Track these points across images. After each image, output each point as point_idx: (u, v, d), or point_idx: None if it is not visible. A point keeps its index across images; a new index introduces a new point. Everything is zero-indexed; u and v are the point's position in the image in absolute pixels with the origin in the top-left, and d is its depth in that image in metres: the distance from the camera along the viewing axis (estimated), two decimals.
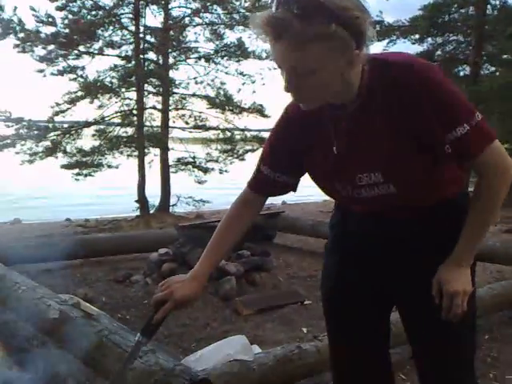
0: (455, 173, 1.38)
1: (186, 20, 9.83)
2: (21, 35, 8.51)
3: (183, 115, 9.90)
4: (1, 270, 3.21)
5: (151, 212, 9.38)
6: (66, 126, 9.32)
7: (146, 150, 9.24)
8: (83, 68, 9.12)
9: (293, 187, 1.51)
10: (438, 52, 12.55)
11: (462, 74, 12.20)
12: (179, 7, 9.78)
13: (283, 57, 1.17)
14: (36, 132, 8.78)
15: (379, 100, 1.25)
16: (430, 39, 12.33)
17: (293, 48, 1.13)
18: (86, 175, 9.28)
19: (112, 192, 13.27)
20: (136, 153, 9.31)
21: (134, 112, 9.31)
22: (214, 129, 9.94)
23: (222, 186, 10.98)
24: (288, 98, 1.41)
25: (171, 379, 1.86)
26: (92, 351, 2.26)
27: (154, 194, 9.65)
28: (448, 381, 1.45)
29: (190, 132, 10.02)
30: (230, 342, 2.46)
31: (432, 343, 1.44)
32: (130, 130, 9.54)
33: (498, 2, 11.40)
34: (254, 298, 3.98)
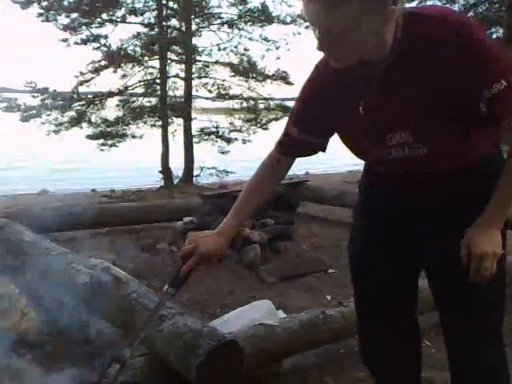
0: (487, 135, 1.34)
1: None
2: (44, 3, 8.52)
3: (206, 83, 9.83)
4: (30, 236, 3.29)
5: (175, 183, 9.44)
6: (90, 96, 9.36)
7: (169, 120, 9.25)
8: (106, 37, 9.11)
9: (322, 147, 1.50)
10: (471, 13, 12.10)
11: (494, 36, 11.77)
12: None
13: (317, 16, 1.14)
14: (61, 102, 8.86)
15: (412, 56, 1.22)
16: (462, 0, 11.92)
17: (328, 7, 1.11)
18: (110, 145, 9.37)
19: (136, 163, 13.38)
20: (159, 123, 9.33)
21: (157, 81, 9.29)
22: (237, 97, 9.85)
23: (246, 158, 10.98)
24: (315, 60, 1.39)
25: (199, 340, 1.90)
26: (122, 314, 2.33)
27: (177, 165, 9.70)
28: (474, 346, 1.44)
29: (214, 100, 9.95)
30: (256, 306, 2.49)
31: (459, 308, 1.43)
32: (154, 100, 9.54)
33: None
34: (278, 266, 4.01)
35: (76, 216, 4.75)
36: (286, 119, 1.52)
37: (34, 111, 8.77)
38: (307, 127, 1.44)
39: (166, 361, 2.02)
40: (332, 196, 5.68)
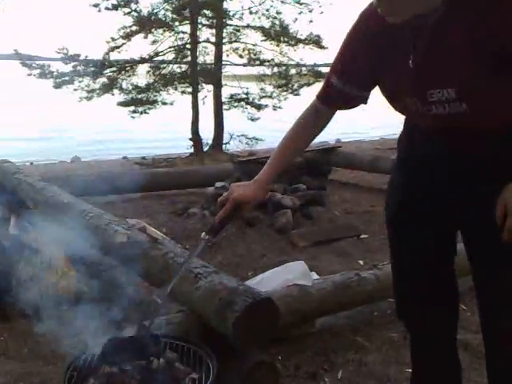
0: None
1: None
2: None
3: (237, 48, 9.66)
4: (68, 198, 3.36)
5: (204, 150, 9.46)
6: (121, 62, 9.36)
7: (199, 87, 9.20)
8: (137, 1, 9.02)
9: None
10: None
11: None
12: None
13: None
14: (92, 69, 8.90)
15: (463, 7, 1.17)
16: None
17: None
18: (141, 113, 9.41)
19: (166, 130, 13.45)
20: (189, 89, 9.30)
21: (188, 46, 9.21)
22: (268, 62, 9.66)
23: (276, 125, 10.88)
24: (349, 22, 1.36)
25: (235, 298, 1.94)
26: (159, 273, 2.38)
27: (207, 133, 9.70)
28: (508, 310, 1.43)
29: (245, 66, 9.81)
30: (290, 267, 2.52)
31: (494, 270, 1.40)
32: (184, 66, 9.49)
33: None
34: (309, 230, 4.02)
35: (110, 182, 4.82)
36: (318, 85, 1.50)
37: (67, 78, 8.84)
38: (350, 78, 1.41)
39: (202, 317, 2.07)
40: (365, 162, 5.60)
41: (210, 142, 9.63)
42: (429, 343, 1.63)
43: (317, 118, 1.52)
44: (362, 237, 4.01)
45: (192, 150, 9.37)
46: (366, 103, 1.49)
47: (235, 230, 4.04)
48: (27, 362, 2.19)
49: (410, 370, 2.14)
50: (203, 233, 1.60)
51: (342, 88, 1.42)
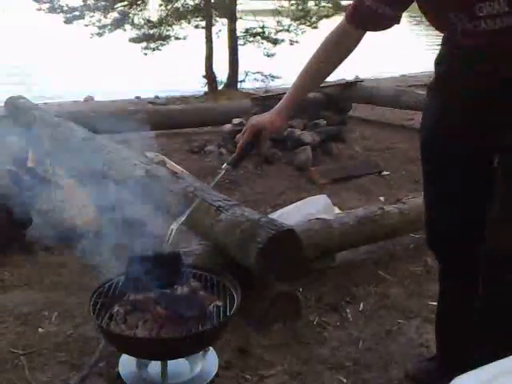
0: None
1: None
2: None
3: None
4: (85, 133, 3.31)
5: (219, 88, 9.25)
6: None
7: (213, 20, 8.86)
8: None
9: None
10: None
11: None
12: None
13: None
14: (103, 3, 8.59)
15: None
16: None
17: None
18: (153, 49, 9.14)
19: (179, 69, 13.15)
20: (203, 23, 8.97)
21: None
22: None
23: (292, 62, 10.54)
24: None
25: (257, 230, 1.90)
26: (179, 207, 2.34)
27: (221, 70, 9.45)
28: None
29: None
30: (312, 201, 2.47)
31: None
32: None
33: None
34: (329, 167, 3.94)
35: (124, 119, 4.74)
36: (337, 17, 1.39)
37: (77, 12, 8.57)
38: None
39: (224, 250, 2.05)
40: (387, 97, 5.37)
41: (225, 80, 9.40)
42: (457, 275, 1.59)
43: (345, 39, 1.43)
44: (382, 174, 3.93)
45: (206, 89, 9.17)
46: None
47: (253, 168, 3.99)
48: (50, 292, 2.22)
49: (433, 303, 2.15)
50: (224, 164, 1.59)
51: (374, 7, 1.32)
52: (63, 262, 2.48)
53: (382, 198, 3.45)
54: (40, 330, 1.95)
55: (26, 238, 2.67)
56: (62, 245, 2.63)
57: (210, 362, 1.67)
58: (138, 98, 9.27)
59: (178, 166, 2.58)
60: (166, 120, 5.12)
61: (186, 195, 2.33)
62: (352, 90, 5.47)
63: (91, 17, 8.72)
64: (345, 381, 1.73)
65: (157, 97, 9.02)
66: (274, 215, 2.41)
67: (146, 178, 2.54)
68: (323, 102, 4.74)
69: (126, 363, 1.63)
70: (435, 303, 2.11)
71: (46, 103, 8.50)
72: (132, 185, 2.59)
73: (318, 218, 2.30)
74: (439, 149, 1.47)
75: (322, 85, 5.47)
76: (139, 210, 2.60)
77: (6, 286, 2.26)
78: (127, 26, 8.96)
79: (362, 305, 2.19)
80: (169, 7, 8.97)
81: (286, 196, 3.59)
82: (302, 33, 9.32)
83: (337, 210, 2.48)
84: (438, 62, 1.45)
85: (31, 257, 2.51)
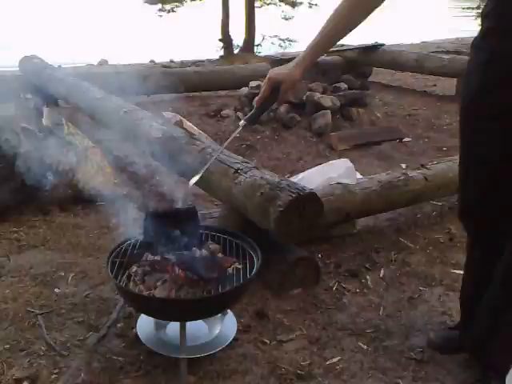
0: None
1: None
2: None
3: None
4: (101, 94, 3.24)
5: (235, 53, 9.06)
6: None
7: None
8: None
9: None
10: None
11: None
12: None
13: None
14: None
15: None
16: None
17: None
18: (168, 11, 8.97)
19: (195, 32, 12.90)
20: None
21: None
22: None
23: (311, 25, 10.26)
24: None
25: (278, 192, 1.84)
26: (196, 169, 2.28)
27: (238, 35, 9.23)
28: None
29: None
30: (334, 165, 2.39)
31: None
32: None
33: None
34: (349, 133, 3.83)
35: (139, 81, 4.65)
36: None
37: None
38: None
39: (243, 213, 2.00)
40: (410, 61, 5.16)
41: (241, 44, 9.20)
42: (484, 248, 1.52)
43: None
44: (404, 140, 3.82)
45: (222, 53, 8.99)
46: None
47: (270, 133, 3.90)
48: (66, 253, 2.20)
49: (456, 271, 2.10)
50: (242, 120, 1.55)
51: None
52: (79, 224, 2.46)
53: (403, 165, 3.36)
54: (57, 290, 1.94)
55: (42, 198, 2.64)
56: (78, 206, 2.61)
57: (228, 325, 1.64)
58: (152, 61, 9.13)
59: (195, 127, 2.50)
60: (181, 83, 5.00)
61: (203, 157, 2.27)
62: (373, 54, 5.29)
63: None
64: (365, 347, 1.69)
65: (171, 61, 8.87)
66: (295, 179, 2.34)
67: (162, 138, 2.48)
68: (343, 67, 4.60)
69: (144, 324, 1.61)
70: (458, 271, 2.08)
71: (59, 66, 8.42)
72: (148, 145, 2.54)
73: (339, 183, 2.23)
74: (480, 110, 1.38)
75: (342, 48, 5.31)
76: (156, 170, 2.56)
77: (22, 246, 2.24)
78: None
79: (382, 271, 2.14)
80: None
81: (304, 162, 3.52)
82: None
83: (359, 175, 2.40)
84: (486, 15, 1.34)
85: (47, 218, 2.49)
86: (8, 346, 1.62)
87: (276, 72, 1.45)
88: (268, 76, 1.45)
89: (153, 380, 1.51)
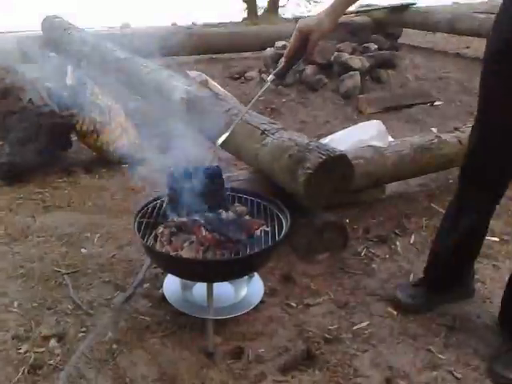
0: None
1: None
2: None
3: None
4: (124, 54, 3.17)
5: (259, 14, 8.85)
6: None
7: None
8: None
9: None
10: None
11: None
12: None
13: None
14: None
15: None
16: None
17: None
18: None
19: None
20: None
21: None
22: None
23: None
24: None
25: (306, 154, 1.78)
26: (222, 130, 2.23)
27: None
28: None
29: None
30: (365, 126, 2.31)
31: None
32: None
33: None
34: (379, 96, 3.71)
35: (162, 42, 4.56)
36: None
37: None
38: None
39: (271, 175, 1.95)
40: (443, 21, 4.90)
41: (265, 5, 8.98)
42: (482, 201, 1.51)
43: None
44: (435, 104, 3.69)
45: (246, 15, 8.80)
46: None
47: (296, 96, 3.80)
48: (92, 214, 2.19)
49: (489, 238, 2.02)
50: (270, 75, 1.49)
51: None
52: (104, 185, 2.44)
53: (434, 129, 3.24)
54: (83, 250, 1.94)
55: (66, 160, 2.64)
56: (103, 168, 2.59)
57: (255, 287, 1.62)
58: (174, 24, 8.98)
59: (220, 88, 2.43)
60: (204, 45, 4.90)
61: (229, 117, 2.21)
62: (403, 14, 5.06)
63: None
64: (395, 313, 1.65)
65: (194, 23, 8.71)
66: (324, 141, 2.27)
67: (187, 98, 2.42)
68: (372, 28, 4.42)
69: (171, 285, 1.60)
70: (492, 238, 2.02)
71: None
72: (173, 106, 2.48)
73: (370, 146, 2.15)
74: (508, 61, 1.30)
75: (371, 8, 5.09)
76: (181, 131, 2.51)
77: (47, 206, 2.24)
78: None
79: (412, 237, 2.08)
80: None
81: (331, 126, 3.43)
82: None
83: (390, 138, 2.32)
84: None
85: (71, 179, 2.48)
86: (35, 305, 1.63)
87: (305, 22, 1.38)
88: (297, 26, 1.39)
89: (179, 339, 1.50)
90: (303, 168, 1.74)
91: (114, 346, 1.47)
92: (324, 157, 1.74)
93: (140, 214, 1.49)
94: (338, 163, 1.77)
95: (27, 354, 1.43)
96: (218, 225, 1.42)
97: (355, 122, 3.41)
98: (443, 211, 2.22)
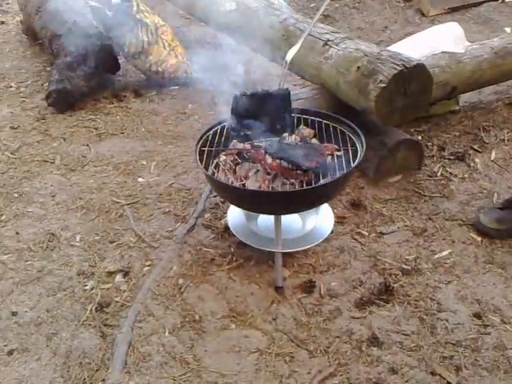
0: None
1: None
2: None
3: None
4: None
5: None
6: None
7: None
8: None
9: None
10: None
11: None
12: None
13: None
14: None
15: None
16: None
17: None
18: None
19: None
20: None
21: None
22: None
23: None
24: None
25: (378, 65, 1.58)
26: (278, 42, 2.02)
27: None
28: None
29: None
30: (439, 30, 2.04)
31: None
32: None
33: None
34: None
35: None
36: None
37: None
38: None
39: (335, 92, 1.76)
40: None
41: None
42: None
43: None
44: (507, 0, 3.27)
45: None
46: None
47: (351, 0, 3.47)
48: (146, 141, 2.10)
49: None
50: None
51: None
52: (155, 110, 2.32)
53: (508, 29, 2.89)
54: (140, 179, 1.86)
55: (115, 84, 2.52)
56: (153, 91, 2.46)
57: (324, 217, 1.50)
58: None
59: None
60: None
61: (286, 29, 1.99)
62: None
63: None
64: (479, 239, 1.51)
65: None
66: (392, 48, 2.02)
67: (237, 10, 2.20)
68: None
69: (235, 216, 1.50)
70: None
71: None
72: (224, 21, 2.27)
73: (445, 52, 1.91)
74: None
75: None
76: (235, 48, 2.31)
77: (101, 134, 2.16)
78: None
79: (493, 153, 1.88)
80: None
81: (390, 31, 3.12)
82: None
83: (467, 43, 2.04)
84: None
85: (122, 105, 2.37)
86: (98, 238, 1.59)
87: None
88: None
89: (246, 273, 1.44)
90: (375, 81, 1.55)
91: (180, 281, 1.42)
92: (399, 67, 1.54)
93: (201, 142, 1.36)
94: (415, 75, 1.57)
95: (93, 291, 1.40)
96: (286, 151, 1.28)
97: (418, 26, 3.09)
98: None
